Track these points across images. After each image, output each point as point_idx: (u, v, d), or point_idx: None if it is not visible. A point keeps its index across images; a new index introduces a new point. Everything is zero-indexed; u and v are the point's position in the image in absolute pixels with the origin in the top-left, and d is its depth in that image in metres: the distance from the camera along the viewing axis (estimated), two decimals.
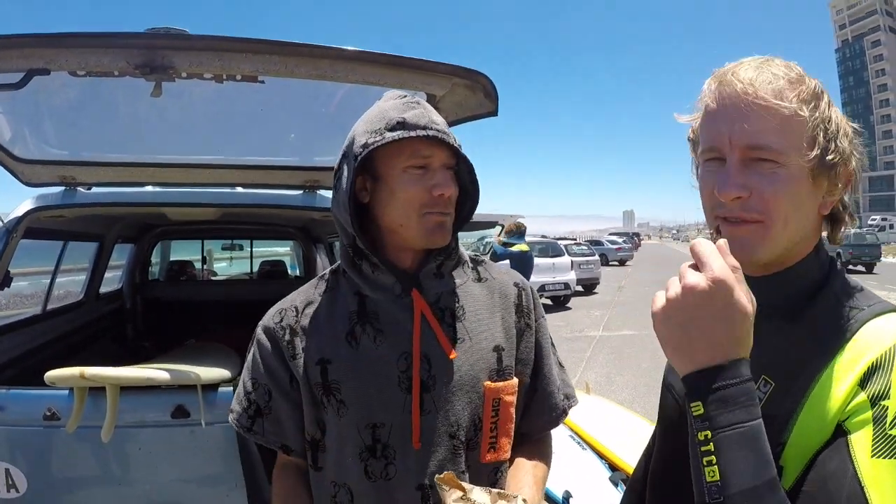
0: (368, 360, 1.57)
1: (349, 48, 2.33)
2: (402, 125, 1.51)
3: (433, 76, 2.44)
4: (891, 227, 73.31)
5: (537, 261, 18.91)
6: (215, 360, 3.65)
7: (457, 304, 1.66)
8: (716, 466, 0.93)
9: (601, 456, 6.14)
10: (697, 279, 0.98)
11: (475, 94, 2.56)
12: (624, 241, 48.31)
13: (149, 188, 4.03)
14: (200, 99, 2.96)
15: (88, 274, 5.61)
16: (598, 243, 43.14)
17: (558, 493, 5.29)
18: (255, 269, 8.97)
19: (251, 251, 9.20)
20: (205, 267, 9.18)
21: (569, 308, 20.29)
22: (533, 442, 1.81)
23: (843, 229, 1.22)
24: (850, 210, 1.21)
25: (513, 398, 1.67)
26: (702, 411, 0.95)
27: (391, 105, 1.58)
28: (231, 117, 3.41)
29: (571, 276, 20.68)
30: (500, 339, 1.68)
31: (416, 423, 1.54)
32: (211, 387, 3.17)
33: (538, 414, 1.77)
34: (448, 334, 1.61)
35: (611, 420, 7.20)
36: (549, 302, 20.65)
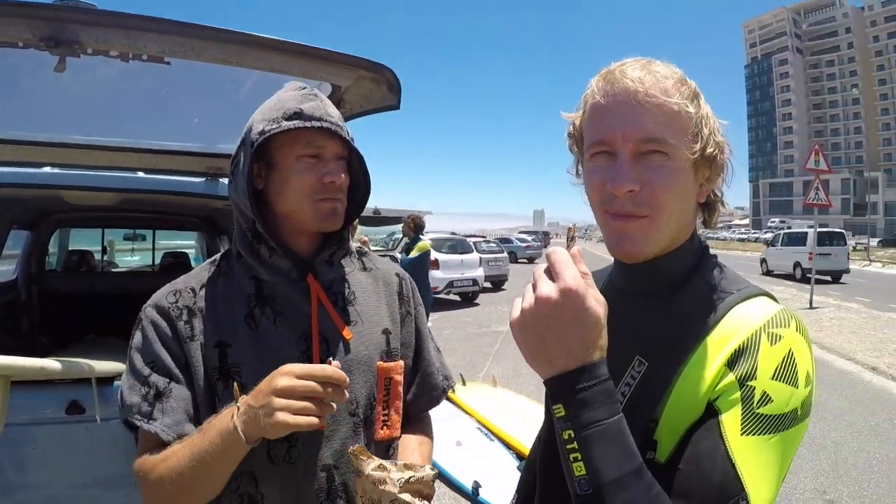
0: (268, 341, 1.61)
1: (257, 34, 2.32)
2: (298, 115, 1.58)
3: (339, 67, 2.45)
4: (789, 228, 77.30)
5: (445, 257, 19.17)
6: (114, 354, 3.56)
7: (347, 290, 1.76)
8: (581, 462, 0.99)
9: (509, 446, 6.29)
10: (549, 290, 1.03)
11: (379, 87, 2.59)
12: (533, 240, 49.56)
13: (47, 169, 3.86)
14: (105, 78, 2.89)
15: None
16: (507, 241, 43.86)
17: (467, 484, 5.41)
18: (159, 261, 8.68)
19: (153, 242, 8.94)
20: (105, 257, 8.88)
21: (477, 304, 20.60)
22: (416, 421, 1.91)
23: (716, 215, 1.31)
24: (720, 198, 1.30)
25: (401, 378, 1.77)
26: (563, 413, 1.01)
27: (290, 96, 1.64)
28: (135, 98, 3.31)
29: (480, 273, 21.06)
30: (387, 323, 1.80)
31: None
32: (106, 380, 3.09)
33: (420, 394, 1.90)
34: (342, 317, 1.70)
35: (518, 411, 7.36)
36: (457, 298, 21.00)
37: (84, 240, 8.61)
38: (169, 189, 4.08)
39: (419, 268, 11.01)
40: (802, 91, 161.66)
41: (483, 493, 5.26)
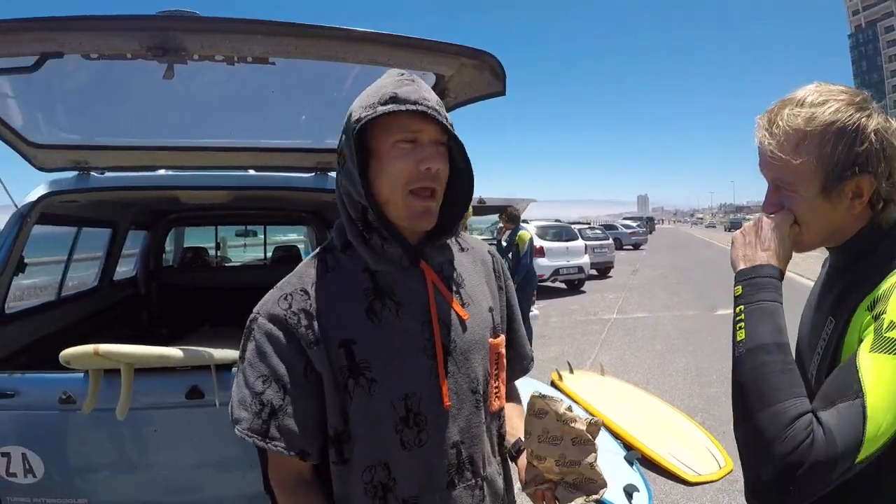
0: (394, 333, 1.61)
1: (358, 29, 2.35)
2: (393, 99, 1.55)
3: (441, 56, 2.46)
4: None
5: (551, 244, 19.14)
6: (229, 343, 3.67)
7: (455, 273, 1.77)
8: (743, 330, 1.37)
9: (616, 436, 6.20)
10: (763, 218, 1.52)
11: (483, 74, 2.58)
12: (638, 226, 48.67)
13: (161, 172, 4.03)
14: (212, 81, 2.97)
15: (102, 260, 5.66)
16: (612, 227, 43.08)
17: None
18: (269, 255, 8.92)
19: (265, 237, 9.19)
20: (218, 253, 9.19)
21: (583, 292, 20.38)
22: (509, 390, 1.98)
23: (884, 215, 1.49)
24: (889, 200, 1.48)
25: (504, 351, 1.83)
26: (740, 292, 1.44)
27: (387, 81, 1.62)
28: (242, 100, 3.42)
29: (585, 260, 20.74)
30: (490, 300, 1.84)
31: (444, 385, 1.63)
32: (225, 367, 3.19)
33: (513, 364, 1.95)
34: (457, 300, 1.72)
35: (625, 400, 7.27)
36: (563, 286, 20.80)
37: (198, 237, 8.94)
38: (279, 185, 4.19)
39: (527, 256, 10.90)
40: None
41: None
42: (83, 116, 3.54)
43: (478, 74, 2.59)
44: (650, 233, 61.95)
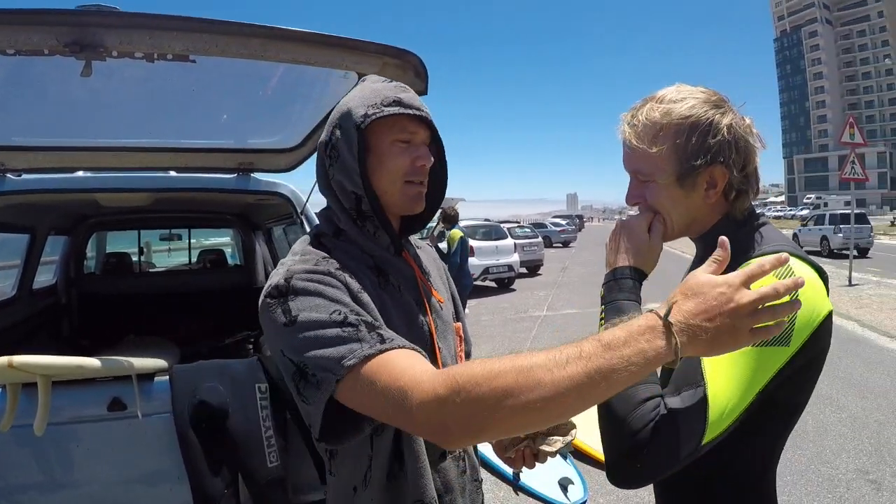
0: (401, 306, 1.76)
1: (280, 27, 2.33)
2: (398, 103, 1.71)
3: (363, 55, 2.47)
4: (825, 205, 75.36)
5: (480, 244, 19.44)
6: (154, 353, 3.60)
7: (423, 265, 1.97)
8: (599, 325, 1.53)
9: None
10: (623, 219, 1.70)
11: (405, 74, 2.59)
12: (567, 224, 50.08)
13: (80, 174, 3.93)
14: (132, 80, 2.91)
15: (20, 268, 5.41)
16: (541, 226, 44.12)
17: (508, 470, 5.36)
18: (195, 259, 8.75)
19: (189, 241, 9.02)
20: (142, 258, 8.98)
21: (513, 290, 20.67)
22: None
23: (737, 205, 1.65)
24: (741, 191, 1.63)
25: (462, 335, 2.07)
26: (602, 293, 1.62)
27: (383, 86, 1.78)
28: (163, 99, 3.34)
29: (515, 259, 21.10)
30: (447, 292, 2.08)
31: (439, 359, 1.80)
32: (147, 377, 3.13)
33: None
34: (432, 287, 1.94)
35: None
36: (493, 284, 21.08)
37: (121, 242, 8.73)
38: (201, 186, 4.13)
39: (460, 255, 11.06)
40: (834, 63, 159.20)
41: (523, 478, 5.24)
42: None
43: (401, 74, 2.59)
44: (579, 230, 63.32)
